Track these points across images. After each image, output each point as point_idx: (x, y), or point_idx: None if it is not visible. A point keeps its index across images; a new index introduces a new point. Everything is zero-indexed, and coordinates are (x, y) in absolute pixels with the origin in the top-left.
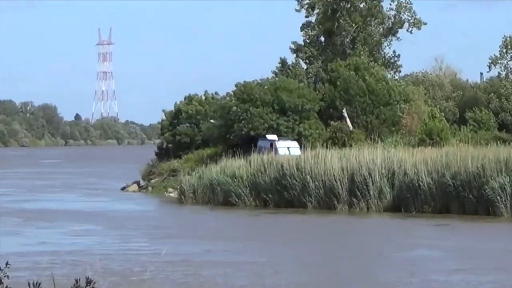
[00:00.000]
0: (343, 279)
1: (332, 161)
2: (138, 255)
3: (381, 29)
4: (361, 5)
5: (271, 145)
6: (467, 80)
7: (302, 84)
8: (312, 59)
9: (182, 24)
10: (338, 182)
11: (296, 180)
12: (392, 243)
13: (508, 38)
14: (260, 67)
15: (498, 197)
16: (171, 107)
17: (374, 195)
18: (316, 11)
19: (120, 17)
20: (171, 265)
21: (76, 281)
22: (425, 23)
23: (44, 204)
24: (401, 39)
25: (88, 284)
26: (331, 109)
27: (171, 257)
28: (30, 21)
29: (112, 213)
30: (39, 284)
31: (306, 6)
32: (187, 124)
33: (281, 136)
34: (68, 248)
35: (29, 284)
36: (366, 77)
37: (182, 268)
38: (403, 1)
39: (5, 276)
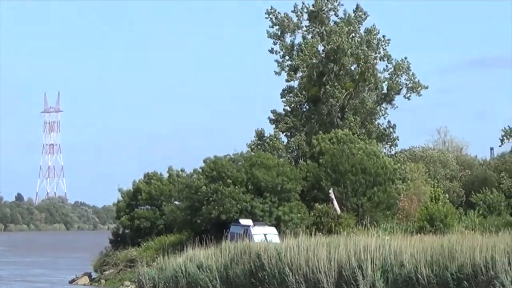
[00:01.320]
0: None
1: (317, 250)
2: None
3: (374, 96)
4: (352, 68)
5: (245, 231)
6: (476, 157)
7: (282, 160)
8: (294, 130)
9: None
10: (323, 275)
11: (273, 272)
12: None
13: None
14: (233, 140)
15: None
16: (129, 186)
17: None
18: (300, 74)
19: (70, 80)
20: None
21: None
22: (426, 87)
23: None
24: (397, 107)
25: None
26: (315, 190)
27: None
28: None
29: None
30: None
31: (288, 68)
32: (148, 207)
33: (256, 221)
34: None
35: None
36: (354, 152)
37: None
38: (401, 61)
39: None
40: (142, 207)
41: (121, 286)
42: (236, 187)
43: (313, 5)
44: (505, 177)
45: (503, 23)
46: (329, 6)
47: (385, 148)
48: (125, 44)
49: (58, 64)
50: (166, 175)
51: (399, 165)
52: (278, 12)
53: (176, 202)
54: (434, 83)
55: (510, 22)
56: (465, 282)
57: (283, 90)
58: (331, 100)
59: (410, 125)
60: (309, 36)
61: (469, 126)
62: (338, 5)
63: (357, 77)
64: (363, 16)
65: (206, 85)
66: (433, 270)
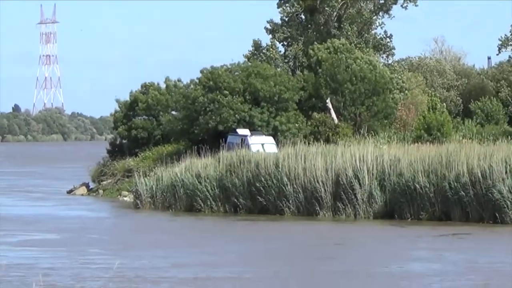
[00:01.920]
0: None
1: (314, 159)
2: (87, 269)
3: (371, 6)
4: None
5: (243, 141)
6: (473, 66)
7: (279, 70)
8: (290, 40)
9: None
10: (321, 185)
11: (273, 182)
12: (385, 255)
13: None
14: (230, 51)
15: (507, 202)
16: (126, 97)
17: (363, 199)
18: None
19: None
20: (123, 282)
21: None
22: None
23: None
24: (394, 17)
25: None
26: (313, 99)
27: (124, 271)
28: None
29: (58, 220)
30: None
31: None
32: (145, 117)
33: (254, 130)
34: (11, 261)
35: None
36: (350, 62)
37: (136, 285)
38: None
39: None
40: (140, 117)
41: (118, 196)
42: (234, 97)
43: None
44: (504, 85)
45: None
46: None
47: (382, 57)
48: None
49: None
50: (163, 86)
51: (396, 74)
52: None
53: (174, 113)
54: None
55: None
56: (462, 192)
57: (280, 0)
58: (327, 9)
59: (407, 34)
60: None
61: (466, 35)
62: None
63: None
64: None
65: None
66: (431, 179)
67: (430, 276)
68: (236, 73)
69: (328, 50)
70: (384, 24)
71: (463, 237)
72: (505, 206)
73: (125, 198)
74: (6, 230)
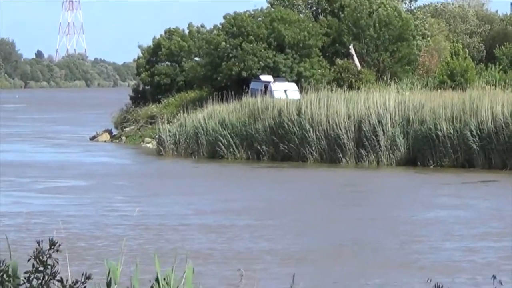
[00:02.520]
0: (364, 243)
1: (337, 106)
2: (109, 216)
3: None
4: None
5: (266, 87)
6: (496, 11)
7: (302, 16)
8: None
9: None
10: (344, 131)
11: (296, 129)
12: (413, 202)
13: None
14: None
15: None
16: (149, 43)
17: (386, 146)
18: None
19: None
20: (144, 230)
21: (38, 243)
22: None
23: (10, 156)
24: None
25: (52, 247)
26: (336, 45)
27: (146, 218)
28: None
29: (81, 167)
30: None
31: None
32: (168, 63)
33: (277, 77)
34: (33, 209)
35: None
36: (375, 8)
37: (156, 232)
38: None
39: None
40: (162, 63)
41: (141, 143)
42: (258, 43)
43: None
44: None
45: None
46: None
47: (405, 3)
48: None
49: None
50: (186, 31)
51: (418, 21)
52: None
53: (196, 59)
54: None
55: None
56: (487, 138)
57: None
58: None
59: None
60: None
61: None
62: None
63: None
64: None
65: None
66: (454, 126)
67: (453, 223)
68: (259, 19)
69: None
70: None
71: (489, 184)
72: None
73: (148, 145)
74: (29, 177)
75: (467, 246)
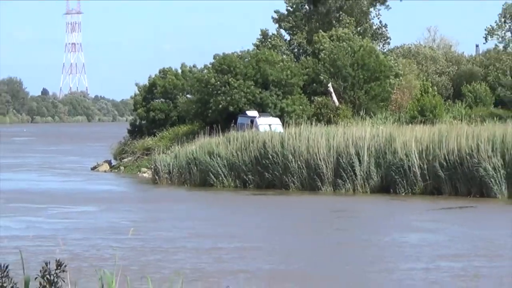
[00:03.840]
0: (339, 266)
1: (317, 139)
2: (105, 239)
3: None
4: None
5: (252, 121)
6: (463, 53)
7: (284, 56)
8: (295, 29)
9: None
10: (323, 162)
11: (279, 159)
12: (385, 225)
13: (508, 6)
14: (240, 39)
15: (492, 179)
16: (145, 81)
17: (361, 175)
18: None
19: None
20: (140, 252)
21: (46, 263)
22: None
23: (21, 184)
24: (390, 8)
25: (59, 267)
26: (315, 84)
27: (143, 242)
28: None
29: (83, 195)
30: (7, 266)
31: None
32: (162, 100)
33: (262, 112)
34: (38, 233)
35: None
36: (356, 49)
37: (154, 254)
38: None
39: None
40: (157, 100)
41: (138, 172)
42: (245, 81)
43: None
44: (492, 71)
45: None
46: None
47: (378, 46)
48: None
49: None
50: (179, 71)
51: (392, 62)
52: None
53: (188, 96)
54: None
55: None
56: (453, 169)
57: None
58: (329, 1)
59: (403, 24)
60: None
61: (457, 24)
62: None
63: None
64: None
65: None
66: (423, 157)
67: (424, 245)
68: (246, 59)
69: (332, 38)
70: (381, 15)
71: (466, 210)
72: (490, 182)
73: (144, 174)
74: (37, 203)
75: (425, 267)
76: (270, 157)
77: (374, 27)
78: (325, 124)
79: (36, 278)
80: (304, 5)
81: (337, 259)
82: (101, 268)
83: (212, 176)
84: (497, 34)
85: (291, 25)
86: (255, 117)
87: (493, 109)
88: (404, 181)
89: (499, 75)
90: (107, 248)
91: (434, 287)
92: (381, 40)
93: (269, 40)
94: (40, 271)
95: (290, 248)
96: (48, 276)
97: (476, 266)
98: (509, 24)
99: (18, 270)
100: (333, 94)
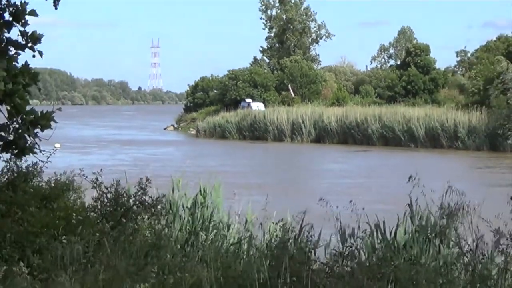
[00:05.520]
0: (282, 180)
1: (281, 114)
2: (170, 167)
3: (310, 39)
4: (299, 26)
5: (248, 104)
6: (360, 70)
7: (265, 71)
8: (271, 56)
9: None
10: (285, 126)
11: (262, 124)
12: (318, 160)
13: (383, 46)
14: (241, 61)
15: (374, 135)
16: (192, 82)
17: (306, 133)
18: (274, 30)
19: (166, 30)
20: (192, 173)
21: (143, 179)
22: (334, 35)
23: (127, 136)
24: (320, 45)
25: (147, 180)
26: (281, 85)
27: (194, 167)
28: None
29: (160, 141)
30: (147, 179)
31: (269, 26)
32: (201, 92)
33: (253, 100)
34: (138, 162)
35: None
36: (302, 67)
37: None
38: (321, 23)
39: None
40: (199, 93)
41: (188, 131)
42: (245, 83)
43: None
44: (374, 79)
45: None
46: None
47: (315, 65)
48: None
49: (160, 15)
50: (210, 77)
51: (322, 73)
52: None
53: (215, 91)
54: (340, 33)
55: None
56: (353, 130)
57: (266, 38)
58: (288, 42)
59: (328, 54)
60: (279, 11)
61: (359, 56)
62: None
63: (300, 31)
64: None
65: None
66: (338, 123)
67: (338, 170)
68: (246, 72)
69: (291, 61)
70: (316, 48)
71: (362, 152)
72: (373, 137)
73: (191, 132)
74: (136, 145)
75: (334, 182)
76: (258, 123)
77: (313, 55)
78: (287, 106)
79: (135, 186)
80: (276, 44)
81: (288, 175)
82: (174, 177)
83: (227, 133)
84: (378, 60)
85: (269, 54)
86: (250, 102)
87: (375, 99)
88: (329, 136)
89: (378, 82)
90: (172, 168)
91: (339, 188)
92: (316, 62)
93: (258, 62)
94: (138, 182)
95: (263, 170)
96: (141, 185)
97: (359, 183)
98: (383, 55)
99: (123, 183)
100: (291, 91)
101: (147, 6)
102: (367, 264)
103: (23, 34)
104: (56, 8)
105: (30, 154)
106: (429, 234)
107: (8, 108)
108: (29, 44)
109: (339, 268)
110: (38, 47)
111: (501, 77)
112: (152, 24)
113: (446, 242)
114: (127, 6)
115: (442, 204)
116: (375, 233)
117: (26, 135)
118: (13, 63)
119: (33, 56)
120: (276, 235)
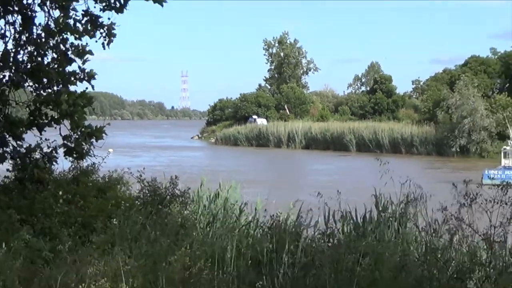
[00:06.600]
0: (280, 177)
1: (280, 127)
2: (196, 166)
3: (301, 71)
4: (293, 61)
5: (254, 120)
6: (339, 94)
7: (268, 95)
8: (272, 84)
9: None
10: (282, 135)
11: (265, 135)
12: (309, 162)
13: (357, 76)
14: (248, 87)
15: (349, 144)
16: (211, 103)
17: (298, 141)
18: (274, 64)
19: (194, 62)
20: (211, 171)
21: (173, 176)
22: (320, 69)
23: (164, 143)
24: (308, 76)
25: (176, 177)
26: (280, 105)
27: (213, 167)
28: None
29: (189, 147)
30: (176, 176)
31: (270, 61)
32: (219, 111)
33: (259, 116)
34: (171, 163)
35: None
36: (296, 92)
37: (224, 173)
38: (310, 59)
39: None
40: (217, 111)
41: (209, 140)
42: (252, 104)
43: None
44: (350, 101)
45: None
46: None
47: (305, 90)
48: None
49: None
50: (225, 99)
51: (311, 97)
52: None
53: (229, 109)
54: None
55: None
56: (332, 139)
57: (268, 70)
58: (285, 73)
59: (315, 82)
60: (278, 50)
61: (338, 84)
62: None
63: (294, 64)
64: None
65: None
66: (322, 134)
67: (324, 170)
68: (253, 96)
69: (287, 87)
70: (306, 78)
71: (342, 157)
72: (350, 145)
73: (211, 140)
74: (169, 150)
75: (320, 179)
76: (262, 134)
77: (303, 83)
78: (284, 121)
79: (168, 181)
80: (275, 74)
81: (284, 173)
82: (203, 175)
83: (238, 141)
84: (353, 87)
85: (270, 82)
86: (256, 118)
87: (350, 116)
88: (316, 144)
89: (352, 103)
90: (197, 168)
91: (322, 183)
92: (306, 88)
93: (262, 88)
94: (170, 178)
95: (266, 169)
96: (172, 181)
97: (338, 179)
98: (357, 83)
99: (160, 179)
100: (287, 110)
101: (179, 42)
102: (343, 241)
103: (81, 70)
104: (104, 49)
105: (88, 157)
106: (390, 218)
107: (70, 123)
108: (86, 78)
109: (323, 243)
110: (94, 75)
111: (445, 101)
112: (183, 56)
113: (404, 224)
114: (162, 44)
115: (402, 194)
116: (349, 217)
117: (83, 144)
118: (73, 89)
119: (89, 87)
120: (278, 220)
